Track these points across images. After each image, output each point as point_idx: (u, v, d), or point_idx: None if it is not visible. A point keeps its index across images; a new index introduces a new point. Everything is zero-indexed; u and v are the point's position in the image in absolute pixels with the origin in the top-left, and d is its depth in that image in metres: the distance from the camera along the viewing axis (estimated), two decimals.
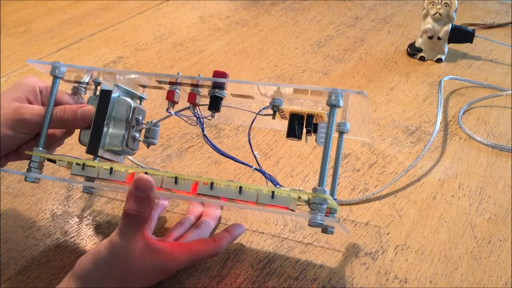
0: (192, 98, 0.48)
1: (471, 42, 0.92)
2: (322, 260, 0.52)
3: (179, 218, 0.55)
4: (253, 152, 0.48)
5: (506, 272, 0.52)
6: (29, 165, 0.48)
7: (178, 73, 0.48)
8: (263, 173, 0.47)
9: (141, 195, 0.42)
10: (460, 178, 0.64)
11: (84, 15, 1.03)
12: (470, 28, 0.94)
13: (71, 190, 0.60)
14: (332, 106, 0.43)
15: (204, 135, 0.49)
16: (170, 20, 1.02)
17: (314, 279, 0.50)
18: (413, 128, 0.73)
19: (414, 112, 0.76)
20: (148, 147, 0.53)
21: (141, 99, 0.54)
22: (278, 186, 0.47)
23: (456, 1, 0.86)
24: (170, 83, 0.49)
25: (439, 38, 0.88)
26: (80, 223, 0.55)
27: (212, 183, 0.44)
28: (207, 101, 0.48)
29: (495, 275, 0.51)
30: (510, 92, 0.81)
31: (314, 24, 1.03)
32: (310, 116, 0.47)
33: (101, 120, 0.48)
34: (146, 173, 0.46)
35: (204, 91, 0.48)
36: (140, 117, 0.51)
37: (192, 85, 0.48)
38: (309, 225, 0.42)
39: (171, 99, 0.49)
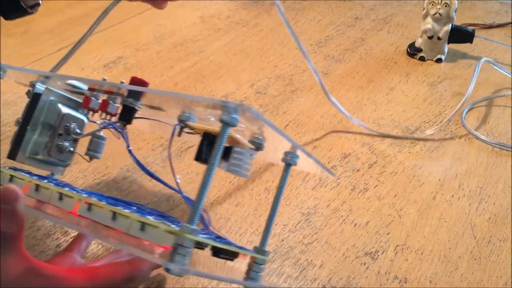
0: (103, 107, 0.42)
1: (471, 42, 0.92)
2: (322, 260, 0.52)
3: None
4: (174, 177, 0.40)
5: (506, 272, 0.51)
6: None
7: (103, 79, 0.44)
8: (184, 197, 0.40)
9: (6, 208, 0.37)
10: (460, 178, 0.64)
11: (84, 15, 1.03)
12: (470, 28, 0.94)
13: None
14: (225, 123, 0.34)
15: (129, 150, 0.42)
16: (170, 20, 1.02)
17: (314, 279, 0.50)
18: (413, 128, 0.73)
19: (414, 112, 0.76)
20: (90, 160, 0.48)
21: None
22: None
23: (456, 1, 0.86)
24: (89, 89, 0.43)
25: (439, 38, 0.88)
26: None
27: (90, 205, 0.37)
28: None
29: (495, 275, 0.51)
30: (510, 92, 0.81)
31: (314, 24, 1.03)
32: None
33: (25, 124, 0.45)
34: (12, 177, 0.41)
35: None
36: (73, 126, 0.47)
37: (106, 92, 0.42)
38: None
39: (86, 106, 0.43)
